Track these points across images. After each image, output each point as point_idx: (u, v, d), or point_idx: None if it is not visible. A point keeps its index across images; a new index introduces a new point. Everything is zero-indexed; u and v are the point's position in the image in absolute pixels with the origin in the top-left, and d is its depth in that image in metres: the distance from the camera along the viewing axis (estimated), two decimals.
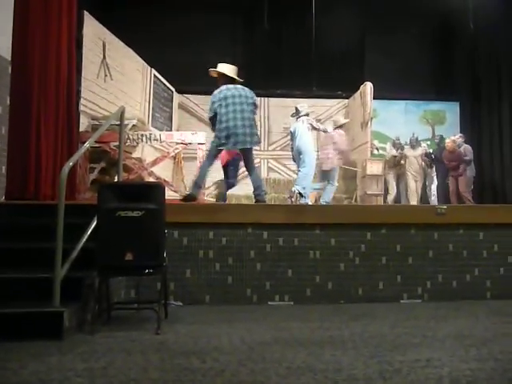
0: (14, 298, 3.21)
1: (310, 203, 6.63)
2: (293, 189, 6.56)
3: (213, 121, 4.89)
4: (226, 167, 6.06)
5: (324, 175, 7.20)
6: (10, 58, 4.22)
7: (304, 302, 4.22)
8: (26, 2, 4.29)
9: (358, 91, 9.60)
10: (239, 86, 4.99)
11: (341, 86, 10.36)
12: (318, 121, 8.17)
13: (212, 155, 4.93)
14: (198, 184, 4.89)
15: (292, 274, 4.25)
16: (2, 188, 4.19)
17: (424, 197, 9.17)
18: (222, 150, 5.00)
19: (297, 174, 6.86)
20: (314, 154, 6.77)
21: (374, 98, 9.11)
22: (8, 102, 4.23)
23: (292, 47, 10.48)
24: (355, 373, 2.35)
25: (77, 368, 2.39)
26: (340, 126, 7.44)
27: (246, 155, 4.98)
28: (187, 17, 9.67)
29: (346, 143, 7.45)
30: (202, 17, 9.87)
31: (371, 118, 9.09)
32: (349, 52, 10.58)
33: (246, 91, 4.95)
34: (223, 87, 4.91)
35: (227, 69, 5.06)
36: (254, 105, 4.98)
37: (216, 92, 4.91)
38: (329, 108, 10.58)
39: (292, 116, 7.22)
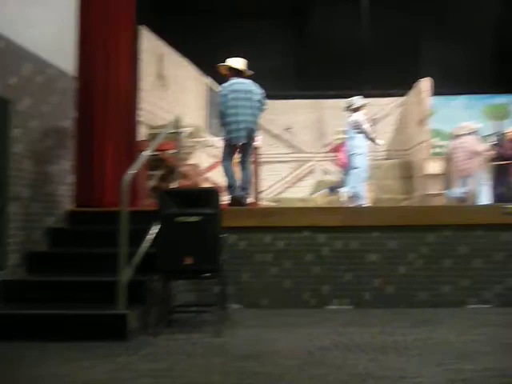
0: (82, 300, 3.40)
1: (365, 204, 6.44)
2: (342, 190, 6.43)
3: (222, 114, 4.80)
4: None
5: (465, 180, 7.04)
6: (75, 75, 4.48)
7: (363, 306, 4.12)
8: (88, 22, 4.53)
9: (415, 88, 9.28)
10: (248, 80, 4.90)
11: (395, 83, 10.06)
12: (370, 120, 7.52)
13: (228, 153, 4.85)
14: (234, 186, 4.80)
15: (350, 277, 4.17)
16: (71, 196, 4.44)
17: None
18: (235, 144, 4.84)
19: (347, 174, 6.64)
20: (366, 154, 6.53)
21: (431, 95, 8.76)
22: (74, 115, 4.48)
23: (343, 46, 10.31)
24: (421, 381, 2.26)
25: (142, 369, 2.47)
26: (471, 133, 7.34)
27: (247, 150, 4.93)
28: (238, 25, 9.80)
29: (478, 144, 7.28)
30: (252, 23, 9.97)
31: (429, 116, 8.75)
32: (403, 47, 10.26)
33: (254, 87, 4.87)
34: (233, 80, 4.83)
35: (235, 62, 4.94)
36: (261, 102, 4.90)
37: (226, 84, 4.83)
38: (383, 107, 10.31)
39: (345, 111, 7.01)
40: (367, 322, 3.56)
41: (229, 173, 4.85)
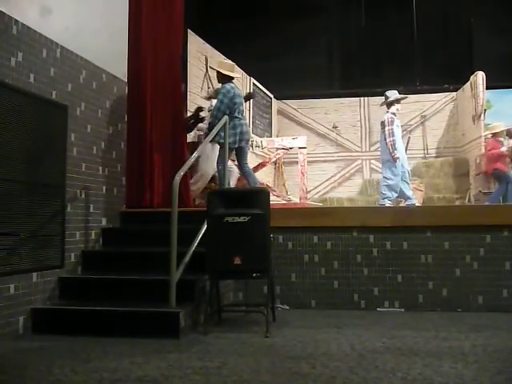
0: (133, 298, 3.50)
1: (415, 203, 6.10)
2: (379, 202, 6.10)
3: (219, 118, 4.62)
4: None
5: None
6: (126, 80, 4.63)
7: (416, 308, 3.99)
8: (139, 28, 4.67)
9: (468, 82, 8.89)
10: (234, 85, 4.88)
11: (447, 78, 9.68)
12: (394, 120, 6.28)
13: (226, 156, 4.68)
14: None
15: (402, 279, 4.05)
16: (123, 197, 4.59)
17: None
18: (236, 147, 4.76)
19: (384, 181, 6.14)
20: (400, 158, 6.06)
21: (486, 88, 8.36)
22: (125, 118, 4.63)
23: (391, 41, 10.04)
24: None
25: (194, 366, 2.51)
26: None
27: (246, 152, 4.91)
28: (281, 23, 9.77)
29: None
30: (296, 21, 9.90)
31: (484, 111, 8.35)
32: (455, 40, 9.85)
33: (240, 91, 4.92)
34: (229, 85, 4.79)
35: (227, 67, 4.92)
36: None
37: (228, 89, 4.73)
38: (435, 103, 9.94)
39: (381, 105, 6.61)
40: (420, 326, 3.44)
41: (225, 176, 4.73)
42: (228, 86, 4.80)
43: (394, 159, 5.96)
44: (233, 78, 4.93)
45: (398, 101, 6.28)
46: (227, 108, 4.67)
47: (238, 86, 6.40)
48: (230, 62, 5.18)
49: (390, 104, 6.28)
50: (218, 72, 4.94)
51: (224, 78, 4.89)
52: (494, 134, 7.78)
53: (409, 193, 6.16)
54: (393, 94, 6.30)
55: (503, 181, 7.50)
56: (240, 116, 4.80)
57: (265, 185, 6.19)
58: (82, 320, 3.29)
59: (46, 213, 3.54)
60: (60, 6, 3.76)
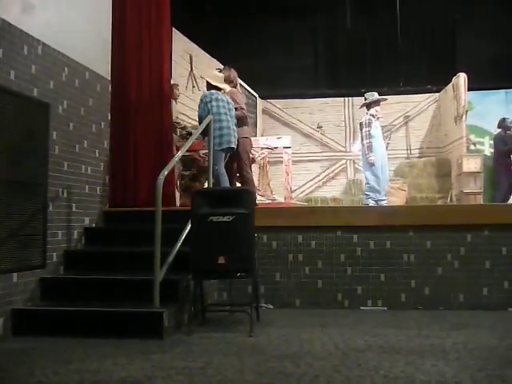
0: (117, 298, 3.47)
1: (382, 201, 6.08)
2: (363, 202, 6.13)
3: (201, 121, 4.71)
4: None
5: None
6: (109, 78, 4.58)
7: (399, 307, 4.04)
8: (123, 26, 4.62)
9: (451, 84, 9.03)
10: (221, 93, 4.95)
11: (430, 79, 9.82)
12: (376, 118, 6.33)
13: (222, 159, 4.75)
14: None
15: (385, 278, 4.10)
16: (107, 197, 4.54)
17: None
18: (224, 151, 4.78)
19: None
20: (380, 157, 6.08)
21: (468, 90, 8.50)
22: (109, 117, 4.58)
23: (376, 42, 10.13)
24: None
25: (177, 366, 2.50)
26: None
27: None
28: (268, 23, 9.78)
29: None
30: (283, 21, 9.92)
31: (466, 112, 8.48)
32: (438, 41, 9.98)
33: (228, 98, 4.93)
34: (213, 91, 4.87)
35: (215, 79, 5.00)
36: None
37: (207, 93, 4.84)
38: (418, 103, 10.07)
39: (360, 107, 6.68)
40: (403, 324, 3.48)
41: (223, 180, 4.74)
42: (208, 92, 4.87)
43: (369, 162, 6.00)
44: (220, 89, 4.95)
45: (376, 102, 6.27)
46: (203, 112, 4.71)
47: (224, 86, 6.30)
48: (220, 74, 5.16)
49: (368, 105, 6.30)
50: (207, 82, 5.00)
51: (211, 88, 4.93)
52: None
53: (378, 189, 6.06)
54: (372, 96, 6.31)
55: None
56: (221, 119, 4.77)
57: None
58: (64, 321, 3.25)
59: (28, 212, 3.48)
60: (42, 1, 3.70)
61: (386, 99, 6.78)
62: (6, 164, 3.28)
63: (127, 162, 4.58)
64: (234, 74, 5.39)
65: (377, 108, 6.28)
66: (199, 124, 4.79)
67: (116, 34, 4.62)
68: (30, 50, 3.55)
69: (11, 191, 3.32)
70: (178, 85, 6.13)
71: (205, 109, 4.72)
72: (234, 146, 4.83)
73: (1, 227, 3.21)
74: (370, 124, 6.11)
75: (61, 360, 2.62)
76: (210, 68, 8.16)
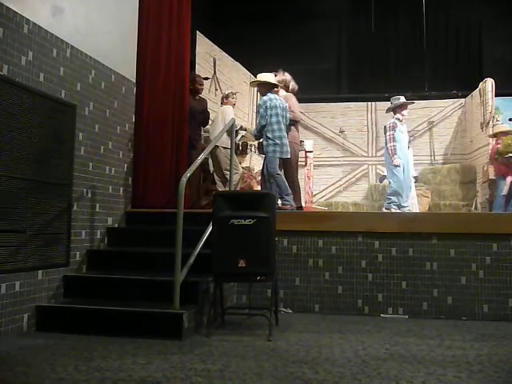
0: (138, 298, 3.51)
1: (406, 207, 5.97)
2: (385, 206, 6.03)
3: (262, 129, 4.91)
4: None
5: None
6: (134, 80, 4.65)
7: (420, 316, 3.97)
8: (148, 29, 4.70)
9: (477, 89, 8.85)
10: (278, 96, 5.04)
11: (456, 84, 9.65)
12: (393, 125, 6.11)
13: (277, 165, 4.88)
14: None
15: (407, 285, 4.03)
16: (129, 197, 4.60)
17: None
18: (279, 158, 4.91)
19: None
20: (404, 162, 5.98)
21: (495, 96, 8.32)
22: (133, 119, 4.65)
23: (400, 46, 10.04)
24: None
25: (196, 368, 2.51)
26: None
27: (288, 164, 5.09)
28: (291, 27, 9.80)
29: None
30: (305, 25, 9.92)
31: (493, 118, 8.31)
32: (464, 46, 9.82)
33: (283, 102, 5.02)
34: (270, 96, 4.94)
35: (267, 77, 5.05)
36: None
37: (266, 98, 4.92)
38: (443, 109, 9.91)
39: (387, 112, 6.57)
40: (424, 334, 3.42)
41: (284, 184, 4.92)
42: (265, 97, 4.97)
43: (394, 165, 5.94)
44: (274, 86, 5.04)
45: (403, 106, 6.20)
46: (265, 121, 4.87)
47: (246, 89, 6.40)
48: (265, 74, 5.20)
49: (394, 109, 6.25)
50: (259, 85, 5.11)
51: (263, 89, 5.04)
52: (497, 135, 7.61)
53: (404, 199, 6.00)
54: (397, 100, 6.25)
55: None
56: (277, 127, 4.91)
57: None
58: (86, 319, 3.30)
59: (53, 211, 3.56)
60: (71, 5, 3.78)
61: (412, 103, 6.69)
62: (34, 164, 3.36)
63: (150, 164, 4.64)
64: (288, 77, 5.46)
65: (404, 112, 6.22)
66: (257, 131, 4.98)
67: (141, 37, 4.69)
68: (58, 53, 3.64)
69: (38, 191, 3.40)
70: (235, 93, 6.26)
71: (264, 116, 4.85)
72: (288, 155, 4.95)
73: (27, 225, 3.29)
74: (393, 128, 6.06)
75: (82, 357, 2.67)
76: (233, 70, 8.23)
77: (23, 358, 2.66)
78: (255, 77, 8.85)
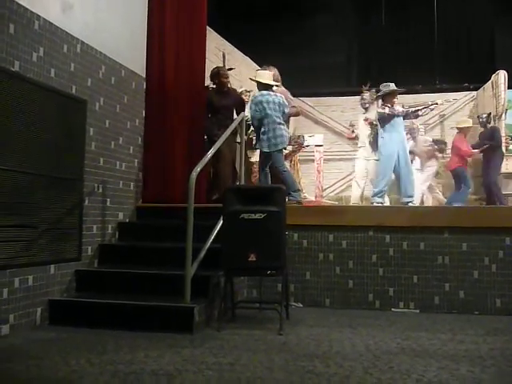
0: (149, 292, 3.53)
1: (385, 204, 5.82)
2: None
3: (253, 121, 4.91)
4: None
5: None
6: (144, 75, 4.65)
7: (432, 310, 3.95)
8: (158, 24, 4.68)
9: (489, 81, 8.73)
10: (272, 92, 4.93)
11: (468, 76, 9.52)
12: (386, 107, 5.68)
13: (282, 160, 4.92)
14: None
15: (418, 280, 4.01)
16: (140, 192, 4.62)
17: None
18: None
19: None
20: (386, 152, 5.61)
21: (508, 88, 8.20)
22: (143, 114, 4.66)
23: (411, 39, 9.92)
24: None
25: (207, 361, 2.52)
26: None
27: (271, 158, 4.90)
28: (300, 21, 9.73)
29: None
30: (315, 19, 9.85)
31: (506, 110, 8.19)
32: (476, 38, 9.67)
33: (278, 97, 4.91)
34: (262, 93, 4.90)
35: (262, 76, 5.00)
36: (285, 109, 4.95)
37: (258, 94, 4.92)
38: (455, 102, 9.78)
39: (376, 99, 6.31)
40: (436, 328, 3.40)
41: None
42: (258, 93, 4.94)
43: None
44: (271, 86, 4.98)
45: (392, 94, 5.62)
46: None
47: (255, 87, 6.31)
48: (265, 71, 5.16)
49: (384, 97, 5.73)
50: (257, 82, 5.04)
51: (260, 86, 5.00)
52: (461, 130, 7.60)
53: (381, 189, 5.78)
54: (388, 87, 5.68)
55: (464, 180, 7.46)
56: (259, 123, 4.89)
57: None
58: (98, 312, 3.33)
59: (64, 206, 3.58)
60: (81, 1, 3.79)
61: (403, 90, 6.09)
62: (46, 159, 3.39)
63: (160, 159, 4.64)
64: (277, 72, 5.43)
65: (394, 100, 5.65)
66: (252, 125, 4.96)
67: (151, 33, 4.68)
68: (69, 49, 3.65)
69: (50, 186, 3.43)
70: (249, 91, 6.22)
71: (256, 109, 4.81)
72: (267, 149, 4.87)
73: (40, 220, 3.32)
74: (382, 118, 5.63)
75: (95, 350, 2.69)
76: (243, 65, 8.20)
77: (36, 351, 2.70)
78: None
